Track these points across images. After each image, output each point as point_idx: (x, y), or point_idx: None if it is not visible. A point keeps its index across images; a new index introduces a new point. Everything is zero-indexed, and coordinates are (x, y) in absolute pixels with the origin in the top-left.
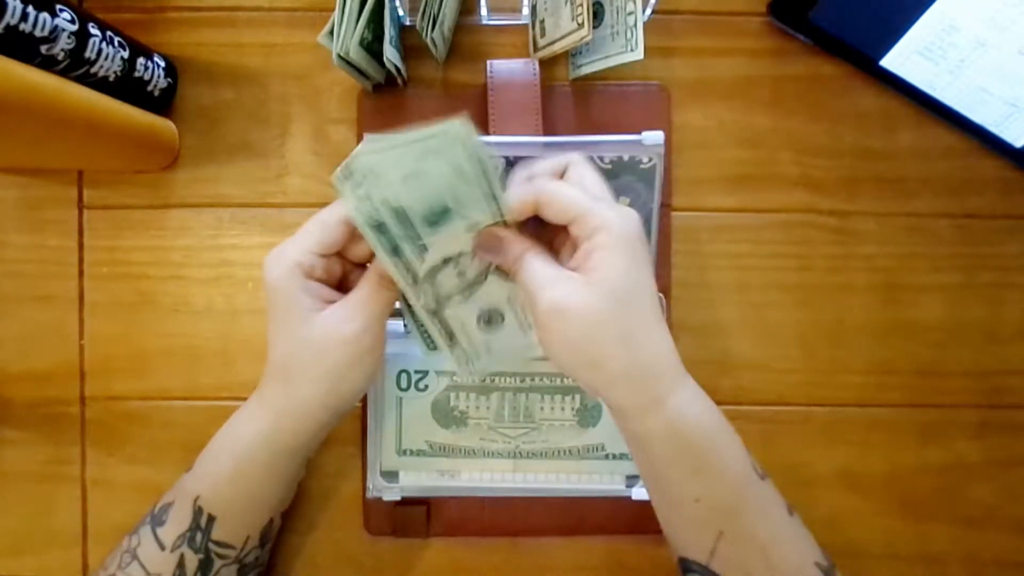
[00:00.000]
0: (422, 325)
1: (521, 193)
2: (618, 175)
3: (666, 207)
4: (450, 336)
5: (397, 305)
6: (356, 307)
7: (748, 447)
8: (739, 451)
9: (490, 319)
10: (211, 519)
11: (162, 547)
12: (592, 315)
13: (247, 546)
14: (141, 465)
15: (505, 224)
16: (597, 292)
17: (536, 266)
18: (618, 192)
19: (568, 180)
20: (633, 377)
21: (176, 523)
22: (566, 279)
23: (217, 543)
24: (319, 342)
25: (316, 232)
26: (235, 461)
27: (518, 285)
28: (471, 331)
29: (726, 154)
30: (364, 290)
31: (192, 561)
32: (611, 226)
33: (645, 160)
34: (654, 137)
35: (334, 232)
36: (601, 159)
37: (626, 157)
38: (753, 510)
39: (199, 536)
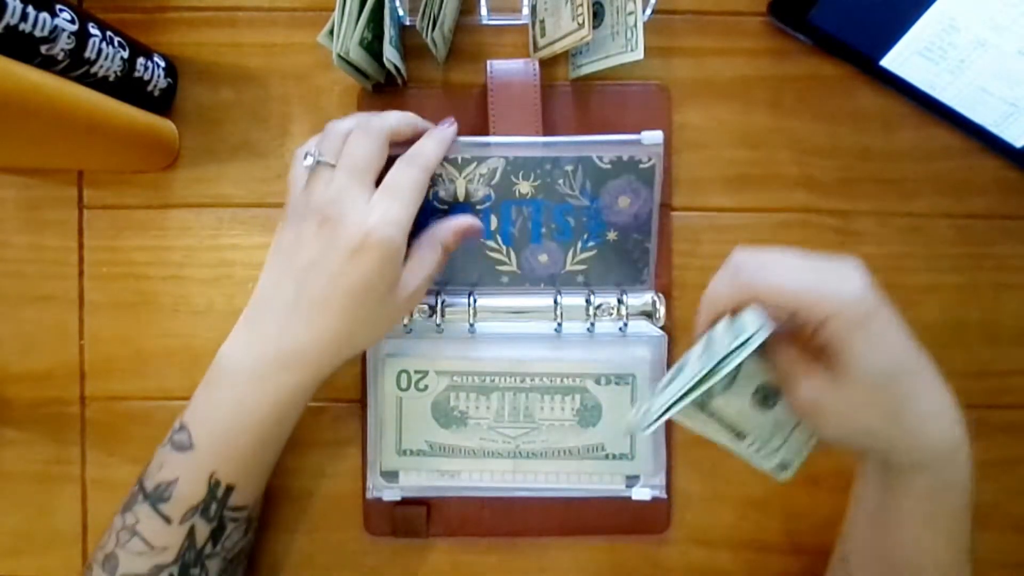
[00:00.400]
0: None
1: (728, 295)
2: (618, 175)
3: (666, 207)
4: (735, 432)
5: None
6: (428, 275)
7: None
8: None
9: (765, 397)
10: (229, 489)
11: (168, 521)
12: (847, 411)
13: (258, 502)
14: (141, 465)
15: None
16: (851, 386)
17: (788, 367)
18: (618, 192)
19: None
20: (907, 447)
21: (185, 498)
22: (816, 380)
23: (233, 508)
24: (399, 308)
25: (417, 197)
26: (259, 435)
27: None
28: (749, 414)
29: (726, 154)
30: (430, 258)
31: (204, 530)
32: (841, 308)
33: (645, 160)
34: (653, 137)
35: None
36: (600, 159)
37: (625, 157)
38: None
39: (214, 506)
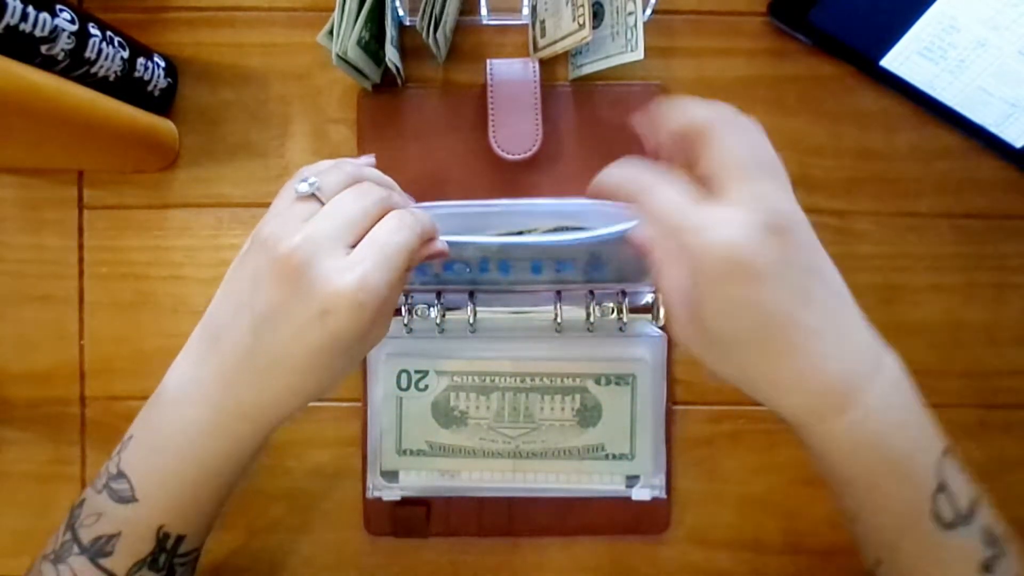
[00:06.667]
0: None
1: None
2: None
3: None
4: None
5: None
6: (389, 312)
7: (748, 448)
8: (912, 489)
9: None
10: (180, 539)
11: (111, 575)
12: (713, 361)
13: (206, 540)
14: None
15: None
16: (704, 336)
17: (675, 199)
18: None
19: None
20: (817, 354)
21: (130, 552)
22: (682, 319)
23: (183, 555)
24: (366, 350)
25: (403, 264)
26: (215, 487)
27: (646, 230)
28: None
29: None
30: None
31: None
32: (702, 261)
33: None
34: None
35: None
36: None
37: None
38: (915, 554)
39: (163, 557)
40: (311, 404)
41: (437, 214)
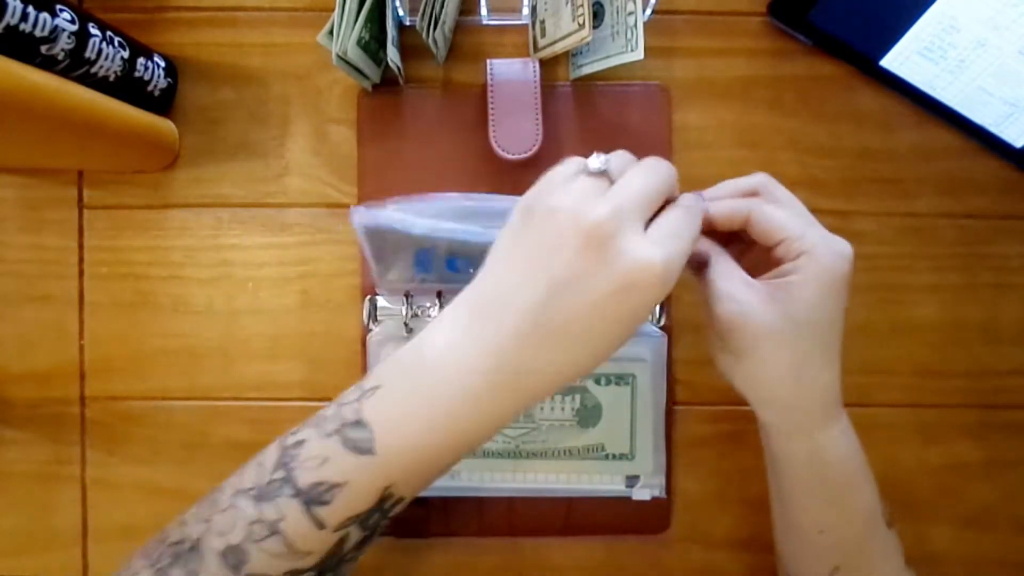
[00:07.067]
0: None
1: (733, 205)
2: None
3: None
4: None
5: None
6: None
7: (748, 448)
8: (872, 494)
9: None
10: (399, 501)
11: (321, 526)
12: (766, 336)
13: None
14: (141, 465)
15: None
16: (781, 316)
17: (726, 271)
18: None
19: (765, 198)
20: (788, 405)
21: (349, 506)
22: (752, 292)
23: (392, 517)
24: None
25: (691, 248)
26: (457, 456)
27: (702, 284)
28: None
29: (726, 154)
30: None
31: (355, 538)
32: (818, 255)
33: None
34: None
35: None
36: None
37: None
38: (873, 554)
39: (376, 516)
40: (309, 404)
41: (445, 207)
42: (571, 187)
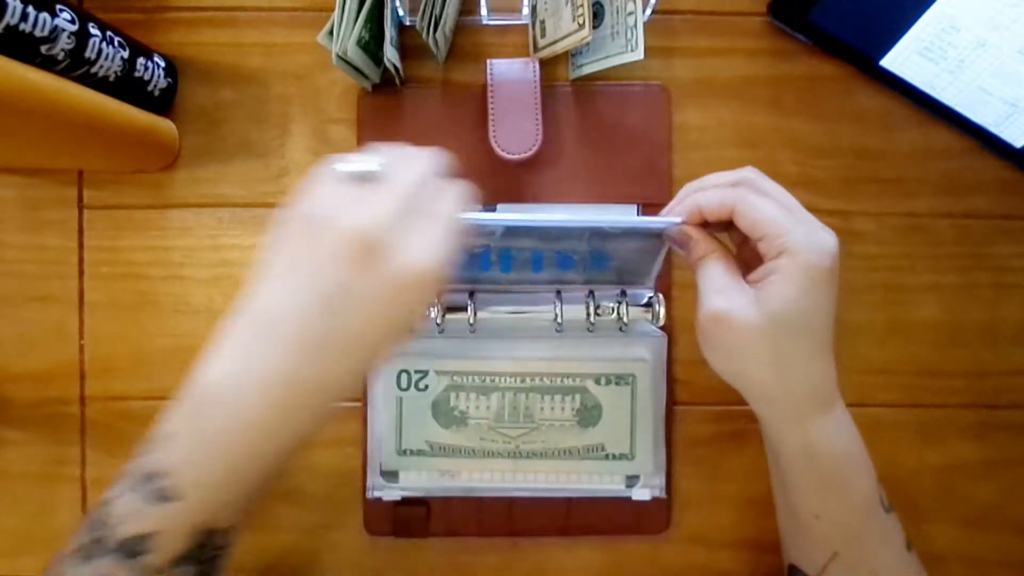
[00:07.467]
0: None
1: (721, 195)
2: (628, 235)
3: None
4: None
5: None
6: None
7: (748, 447)
8: (869, 481)
9: None
10: (223, 532)
11: (153, 572)
12: (748, 333)
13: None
14: None
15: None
16: (761, 313)
17: (714, 271)
18: (625, 243)
19: (752, 189)
20: (776, 398)
21: (170, 549)
22: (737, 291)
23: (223, 547)
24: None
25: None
26: (265, 480)
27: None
28: None
29: (726, 154)
30: None
31: (193, 572)
32: (797, 253)
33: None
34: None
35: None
36: (612, 226)
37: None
38: (872, 538)
39: (206, 551)
40: None
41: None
42: (333, 193)
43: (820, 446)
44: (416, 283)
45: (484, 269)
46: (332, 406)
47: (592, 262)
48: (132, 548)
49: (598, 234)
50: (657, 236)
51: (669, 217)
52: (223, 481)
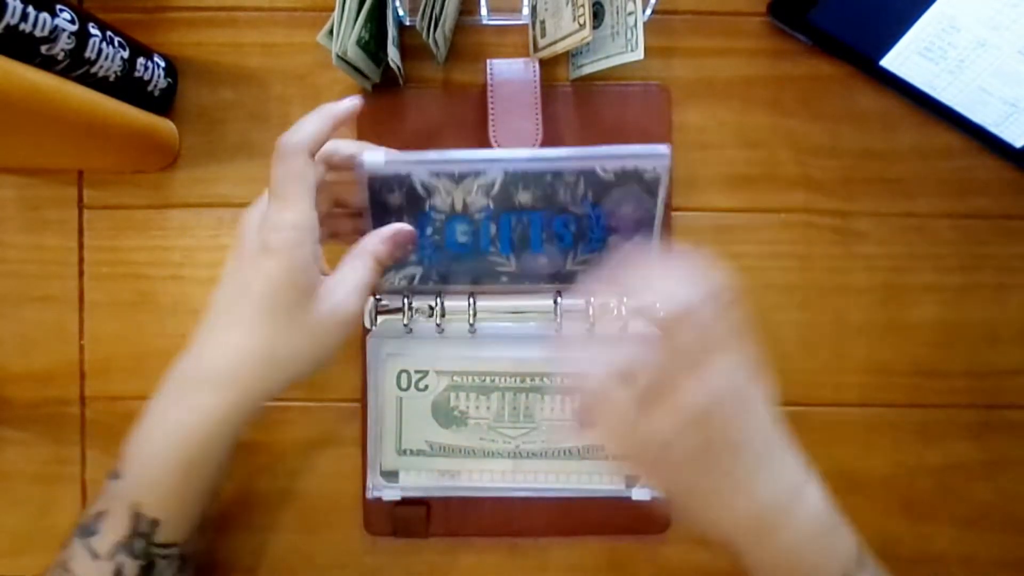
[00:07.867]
0: None
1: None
2: (621, 184)
3: (666, 207)
4: None
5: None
6: (357, 286)
7: None
8: (838, 559)
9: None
10: (155, 523)
11: (95, 556)
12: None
13: (190, 538)
14: None
15: None
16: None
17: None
18: (620, 200)
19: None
20: (735, 529)
21: (111, 532)
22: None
23: (161, 545)
24: (323, 323)
25: (303, 193)
26: (183, 463)
27: None
28: None
29: (726, 154)
30: (360, 268)
31: (132, 567)
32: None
33: (649, 170)
34: (659, 150)
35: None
36: (604, 170)
37: (629, 167)
38: None
39: (139, 542)
40: (309, 404)
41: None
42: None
43: (789, 557)
44: (268, 251)
45: (484, 249)
46: (241, 392)
47: (591, 234)
48: (89, 528)
49: (591, 180)
50: (649, 189)
51: (655, 145)
52: (149, 456)
